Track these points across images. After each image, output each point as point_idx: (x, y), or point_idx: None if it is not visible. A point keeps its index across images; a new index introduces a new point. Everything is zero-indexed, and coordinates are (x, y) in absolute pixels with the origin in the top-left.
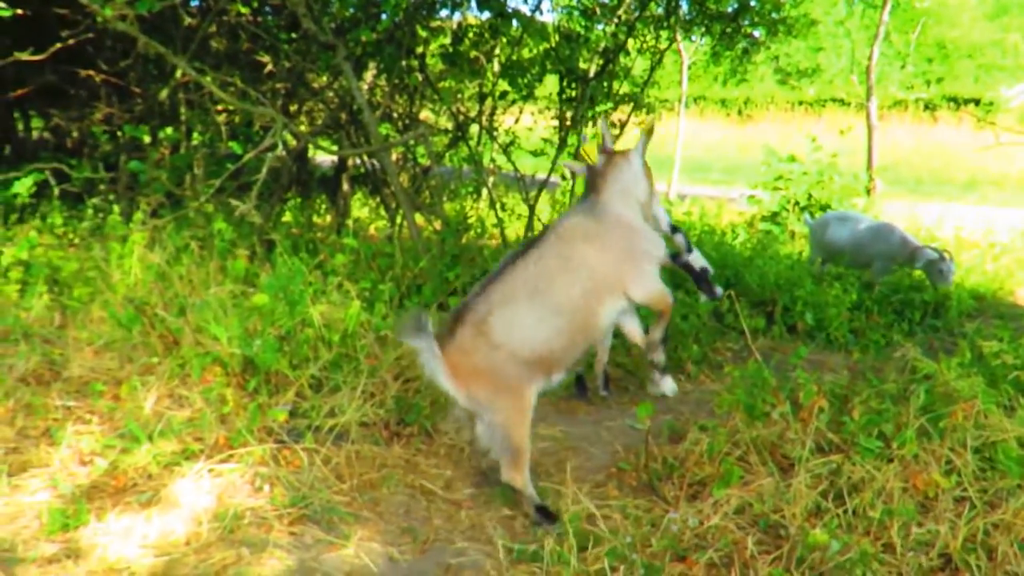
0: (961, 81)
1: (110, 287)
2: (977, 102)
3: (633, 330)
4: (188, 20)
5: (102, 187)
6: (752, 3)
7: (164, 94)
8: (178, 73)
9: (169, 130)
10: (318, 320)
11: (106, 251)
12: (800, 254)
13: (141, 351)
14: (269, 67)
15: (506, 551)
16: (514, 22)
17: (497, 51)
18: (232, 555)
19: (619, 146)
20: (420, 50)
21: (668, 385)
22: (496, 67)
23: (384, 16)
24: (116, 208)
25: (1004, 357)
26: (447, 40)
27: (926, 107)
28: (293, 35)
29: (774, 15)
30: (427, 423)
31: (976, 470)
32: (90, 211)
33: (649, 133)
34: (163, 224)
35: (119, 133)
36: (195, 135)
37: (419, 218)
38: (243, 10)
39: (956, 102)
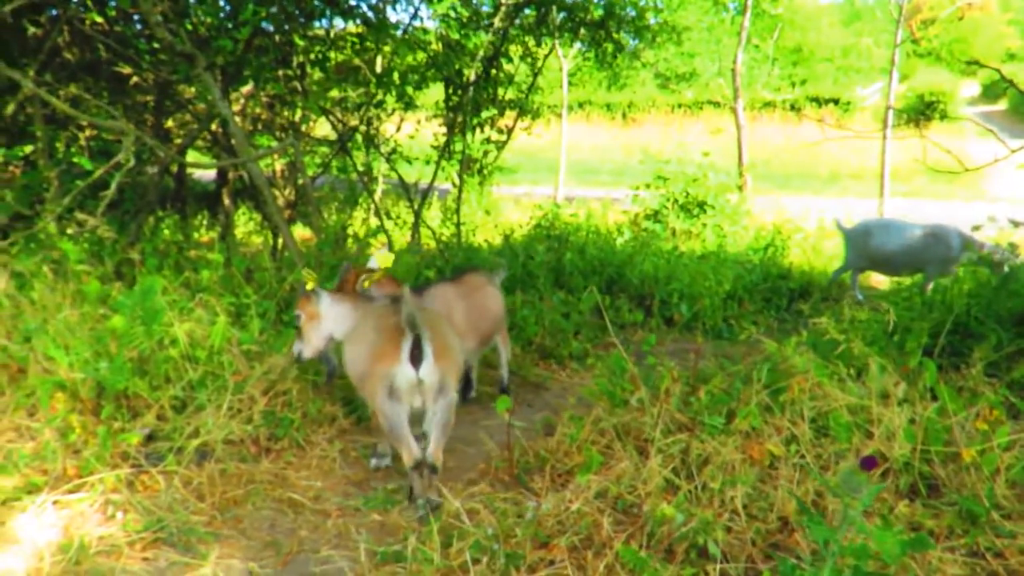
0: (822, 82)
1: None
2: (836, 102)
3: None
4: (34, 30)
5: None
6: (619, 11)
7: (11, 109)
8: (24, 89)
9: (20, 148)
10: (183, 338)
11: None
12: (676, 248)
13: None
14: (134, 79)
15: (369, 555)
16: (388, 32)
17: (379, 60)
18: None
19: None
20: (299, 59)
21: (377, 462)
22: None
23: (247, 26)
24: None
25: (832, 333)
26: (325, 49)
27: (792, 107)
28: (155, 45)
29: (639, 23)
30: (298, 436)
31: (812, 438)
32: None
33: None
34: (9, 248)
35: None
36: (59, 152)
37: (305, 230)
38: (97, 19)
39: (818, 102)
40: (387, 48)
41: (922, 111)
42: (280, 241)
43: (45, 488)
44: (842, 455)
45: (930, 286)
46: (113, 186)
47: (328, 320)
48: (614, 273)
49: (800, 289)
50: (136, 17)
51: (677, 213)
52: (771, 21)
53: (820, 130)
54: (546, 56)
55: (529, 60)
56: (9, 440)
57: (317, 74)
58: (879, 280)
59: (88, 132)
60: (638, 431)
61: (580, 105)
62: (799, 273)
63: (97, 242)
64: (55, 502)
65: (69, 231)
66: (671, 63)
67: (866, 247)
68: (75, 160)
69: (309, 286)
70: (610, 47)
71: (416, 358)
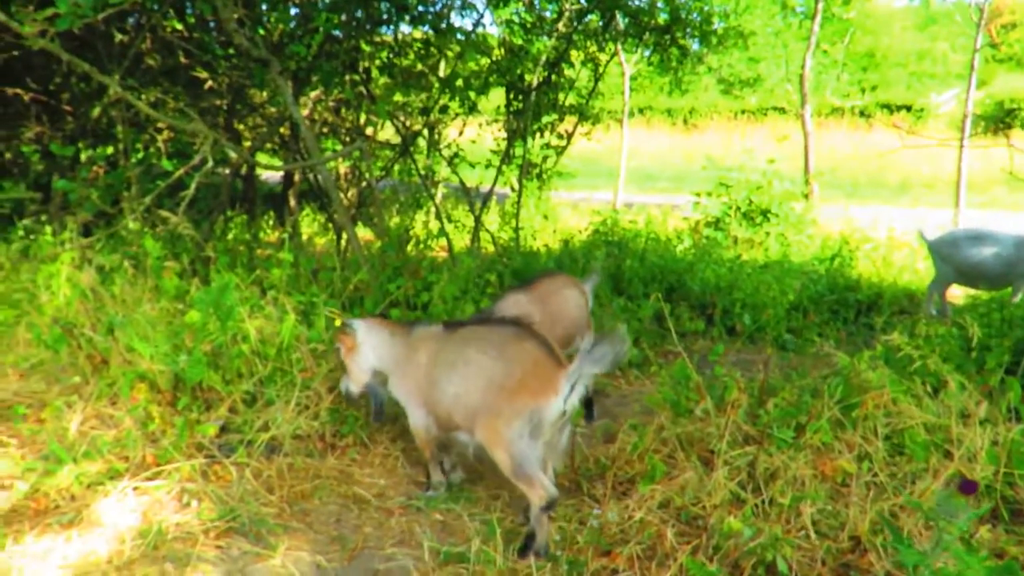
0: (894, 88)
1: (37, 309)
2: (909, 108)
3: None
4: (120, 36)
5: (33, 207)
6: (684, 16)
7: (96, 112)
8: (110, 91)
9: (103, 149)
10: (254, 335)
11: (35, 272)
12: (739, 257)
13: (69, 372)
14: (209, 83)
15: (433, 553)
16: (456, 36)
17: (442, 65)
18: (155, 571)
19: None
20: (364, 65)
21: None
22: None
23: (319, 31)
24: (48, 229)
25: (907, 348)
26: (392, 55)
27: (861, 114)
28: (230, 51)
29: (706, 27)
30: (363, 433)
31: (886, 456)
32: (20, 232)
33: None
34: (94, 243)
35: (52, 152)
36: (138, 153)
37: (366, 231)
38: (177, 26)
39: (889, 108)
40: (451, 53)
41: (1002, 119)
42: (344, 242)
43: (126, 474)
44: (918, 475)
45: (1017, 298)
46: (192, 186)
47: (367, 350)
48: (674, 281)
49: (868, 302)
50: (212, 24)
51: (739, 221)
52: (842, 25)
53: (899, 138)
54: (608, 61)
55: (591, 65)
56: (92, 427)
57: (382, 79)
58: (953, 295)
59: (165, 135)
60: (702, 442)
61: (640, 111)
62: (868, 285)
63: (172, 240)
64: (135, 488)
65: (136, 227)
66: (735, 68)
67: (953, 259)
68: (155, 162)
69: (337, 322)
70: (675, 52)
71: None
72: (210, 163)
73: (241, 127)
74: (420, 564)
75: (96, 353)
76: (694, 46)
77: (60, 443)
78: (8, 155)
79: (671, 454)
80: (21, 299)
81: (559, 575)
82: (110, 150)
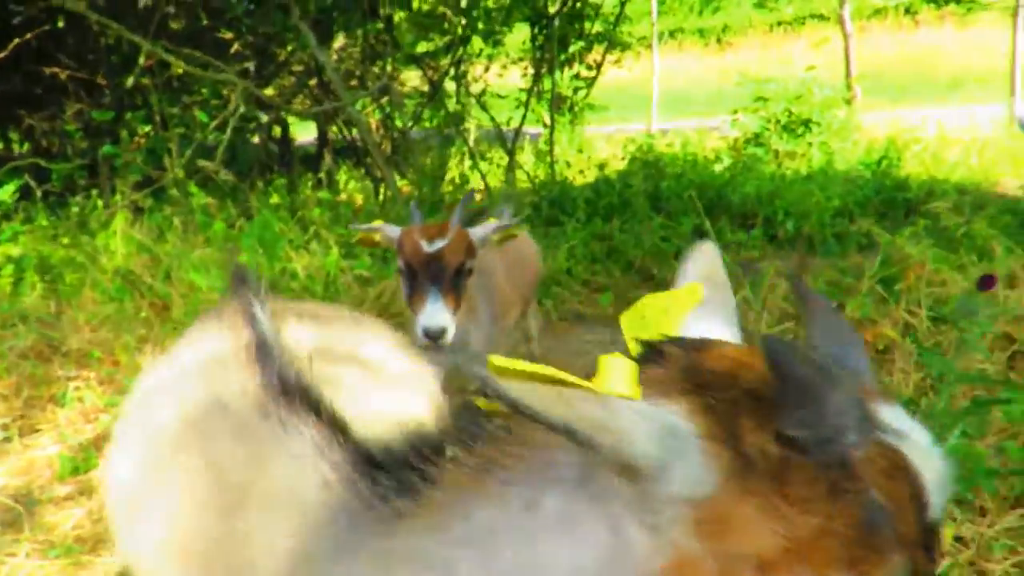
0: None
1: (100, 269)
2: (958, 1)
3: None
4: (144, 1)
5: (82, 182)
6: None
7: (130, 81)
8: (141, 58)
9: (133, 113)
10: (301, 272)
11: (93, 238)
12: (779, 167)
13: (135, 323)
14: (234, 47)
15: None
16: None
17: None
18: None
19: None
20: (385, 12)
21: None
22: (463, 19)
23: None
24: (100, 202)
25: (947, 219)
26: None
27: (906, 12)
28: (252, 6)
29: None
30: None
31: (930, 326)
32: (75, 209)
33: None
34: (143, 200)
35: (93, 126)
36: (173, 119)
37: (403, 182)
38: None
39: (936, 2)
40: None
41: None
42: (382, 190)
43: None
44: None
45: None
46: (228, 131)
47: None
48: (714, 196)
49: (918, 200)
50: None
51: (780, 134)
52: None
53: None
54: None
55: None
56: None
57: (400, 14)
58: None
59: (197, 97)
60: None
61: (671, 34)
62: (917, 184)
63: (217, 195)
64: None
65: (192, 189)
66: None
67: None
68: (190, 127)
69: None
70: None
71: None
72: (242, 109)
73: (270, 91)
74: None
75: (158, 300)
76: None
77: (136, 380)
78: (54, 139)
79: None
80: (84, 263)
81: None
82: (148, 128)
